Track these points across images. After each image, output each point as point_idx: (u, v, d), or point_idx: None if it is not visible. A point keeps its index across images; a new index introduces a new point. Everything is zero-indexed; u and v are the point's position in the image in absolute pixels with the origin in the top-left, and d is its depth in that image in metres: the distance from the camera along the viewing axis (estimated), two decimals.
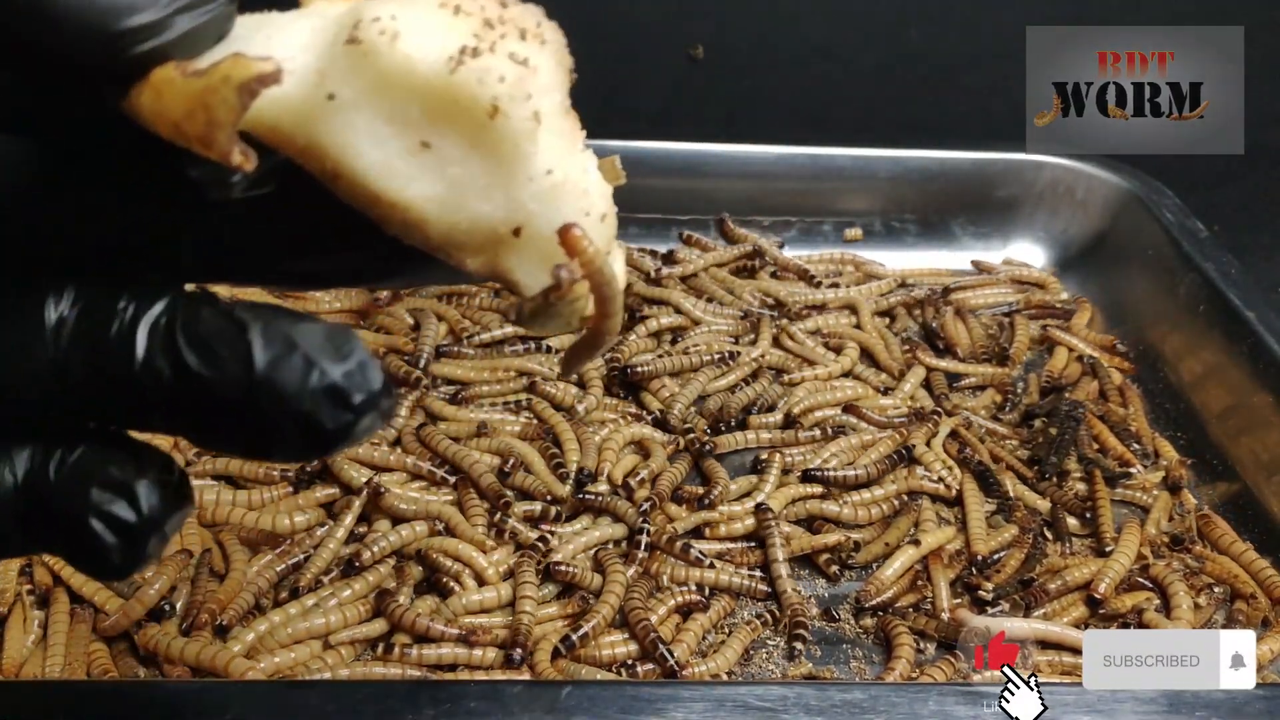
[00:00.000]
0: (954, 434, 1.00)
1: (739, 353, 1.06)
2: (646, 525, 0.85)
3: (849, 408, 1.02)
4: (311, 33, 0.33)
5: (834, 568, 0.86)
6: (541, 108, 0.34)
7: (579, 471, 0.90)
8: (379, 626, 0.77)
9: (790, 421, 0.99)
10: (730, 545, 0.87)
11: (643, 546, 0.84)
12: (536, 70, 0.33)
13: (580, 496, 0.88)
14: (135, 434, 0.37)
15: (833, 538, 0.87)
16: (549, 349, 1.03)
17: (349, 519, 0.84)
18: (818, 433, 0.98)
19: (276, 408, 0.32)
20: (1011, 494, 0.94)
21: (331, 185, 0.33)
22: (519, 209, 0.34)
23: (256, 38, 0.33)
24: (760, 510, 0.87)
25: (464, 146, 0.33)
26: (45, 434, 0.36)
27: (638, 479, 0.90)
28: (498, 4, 0.34)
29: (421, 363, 0.99)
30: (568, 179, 0.34)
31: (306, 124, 0.32)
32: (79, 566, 0.36)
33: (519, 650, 0.75)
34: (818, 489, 0.92)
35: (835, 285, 1.20)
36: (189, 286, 0.36)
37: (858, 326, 1.14)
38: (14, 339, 0.34)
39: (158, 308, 0.34)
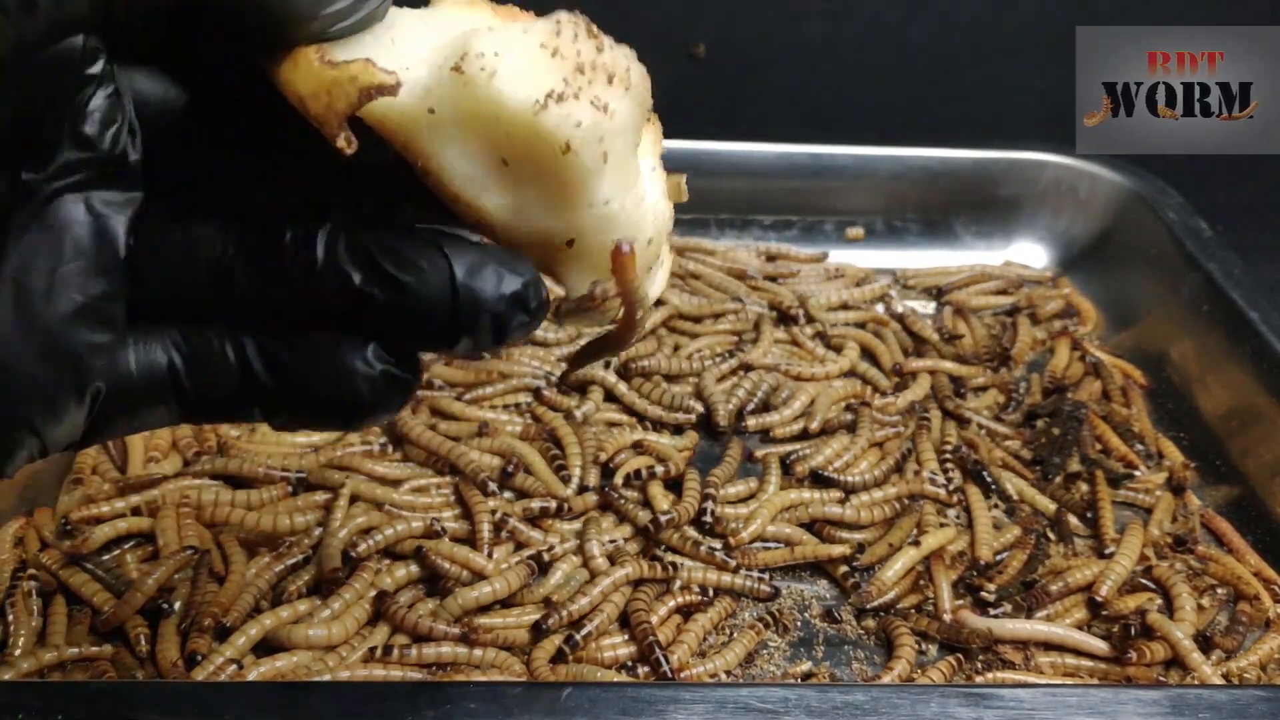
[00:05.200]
0: (957, 418, 1.00)
1: (738, 352, 1.06)
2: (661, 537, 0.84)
3: (852, 405, 1.02)
4: (430, 49, 0.38)
5: (851, 580, 0.84)
6: (612, 149, 0.39)
7: (581, 486, 0.90)
8: (381, 635, 0.77)
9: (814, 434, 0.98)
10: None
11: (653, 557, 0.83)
12: (614, 115, 0.38)
13: (602, 488, 0.88)
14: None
15: (839, 549, 0.86)
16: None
17: (338, 516, 0.83)
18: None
19: (473, 309, 0.39)
20: (1013, 494, 0.93)
21: (422, 178, 0.39)
22: (575, 228, 0.39)
23: (383, 38, 0.38)
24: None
25: (537, 171, 0.38)
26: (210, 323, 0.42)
27: (660, 469, 0.90)
28: (594, 48, 0.39)
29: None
30: (623, 209, 0.40)
31: (408, 127, 0.38)
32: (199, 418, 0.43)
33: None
34: (818, 491, 0.91)
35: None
36: None
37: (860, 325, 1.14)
38: (178, 248, 0.40)
39: (325, 226, 0.40)
